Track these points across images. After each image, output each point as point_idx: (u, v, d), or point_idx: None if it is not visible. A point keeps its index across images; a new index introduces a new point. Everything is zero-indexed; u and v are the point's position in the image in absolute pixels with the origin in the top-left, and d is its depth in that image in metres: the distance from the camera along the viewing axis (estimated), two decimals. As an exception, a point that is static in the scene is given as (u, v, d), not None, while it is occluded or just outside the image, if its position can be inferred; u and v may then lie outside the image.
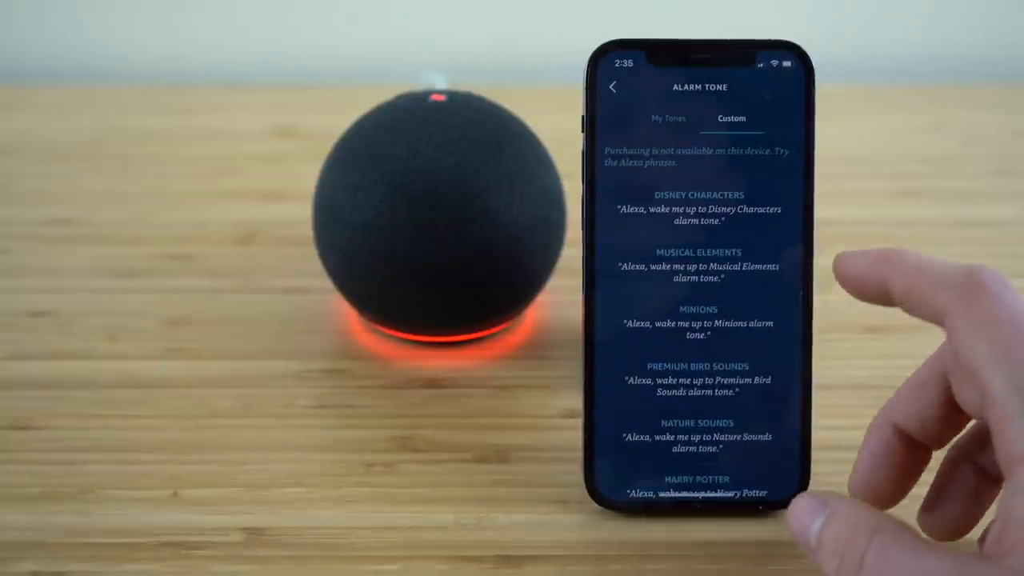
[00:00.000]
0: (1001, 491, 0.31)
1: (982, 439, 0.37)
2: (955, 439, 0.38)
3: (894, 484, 0.38)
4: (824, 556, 0.34)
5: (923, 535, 0.34)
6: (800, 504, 0.36)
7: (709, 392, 0.42)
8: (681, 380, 0.42)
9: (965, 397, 0.35)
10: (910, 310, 0.36)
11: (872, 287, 0.37)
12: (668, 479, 0.42)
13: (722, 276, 0.42)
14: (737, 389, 0.42)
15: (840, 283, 0.38)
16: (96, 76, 0.85)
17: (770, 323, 0.42)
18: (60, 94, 0.81)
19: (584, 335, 0.42)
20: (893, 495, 0.38)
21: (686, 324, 0.42)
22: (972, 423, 0.38)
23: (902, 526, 0.33)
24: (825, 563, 0.34)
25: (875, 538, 0.33)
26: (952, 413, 0.37)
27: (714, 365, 0.42)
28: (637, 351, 0.42)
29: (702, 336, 0.42)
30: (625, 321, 0.42)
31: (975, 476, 0.37)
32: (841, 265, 0.38)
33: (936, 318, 0.34)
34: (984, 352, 0.32)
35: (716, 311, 0.42)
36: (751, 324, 0.42)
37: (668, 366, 0.42)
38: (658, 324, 0.42)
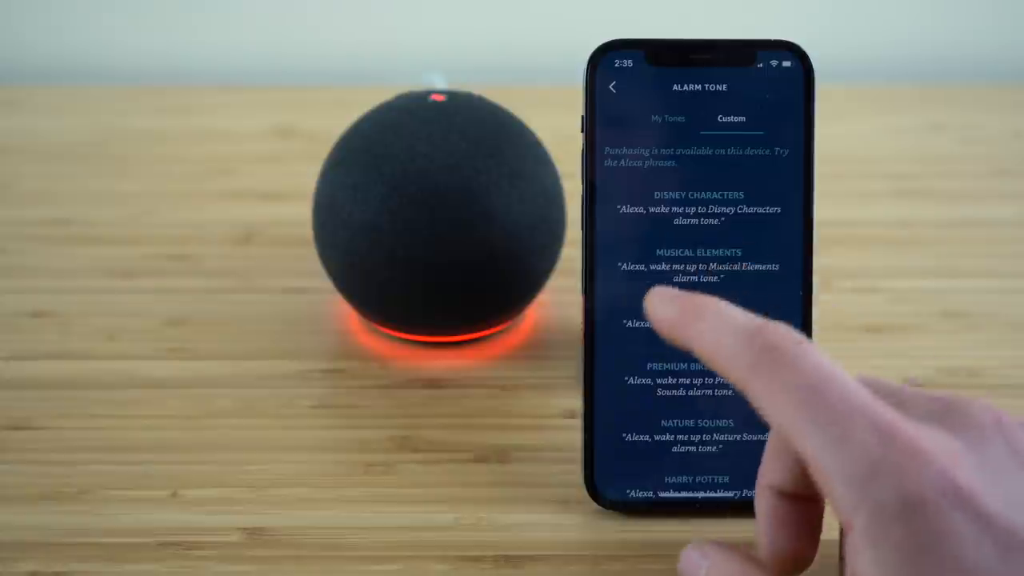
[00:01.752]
0: (843, 550, 0.31)
1: None
2: None
3: (800, 544, 0.36)
4: None
5: None
6: (686, 556, 0.36)
7: (709, 392, 0.42)
8: (681, 380, 0.42)
9: None
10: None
11: (676, 340, 0.36)
12: (668, 479, 0.42)
13: (722, 276, 0.42)
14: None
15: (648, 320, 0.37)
16: (95, 76, 0.85)
17: None
18: (59, 94, 0.80)
19: (584, 335, 0.42)
20: (804, 554, 0.36)
21: None
22: None
23: None
24: None
25: None
26: None
27: None
28: (637, 351, 0.42)
29: None
30: (625, 321, 0.42)
31: None
32: (651, 309, 0.36)
33: (739, 388, 0.33)
34: (788, 419, 0.31)
35: None
36: None
37: (668, 366, 0.42)
38: None
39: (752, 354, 0.32)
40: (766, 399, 0.32)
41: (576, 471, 0.43)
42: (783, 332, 0.32)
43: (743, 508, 0.42)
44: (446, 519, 0.43)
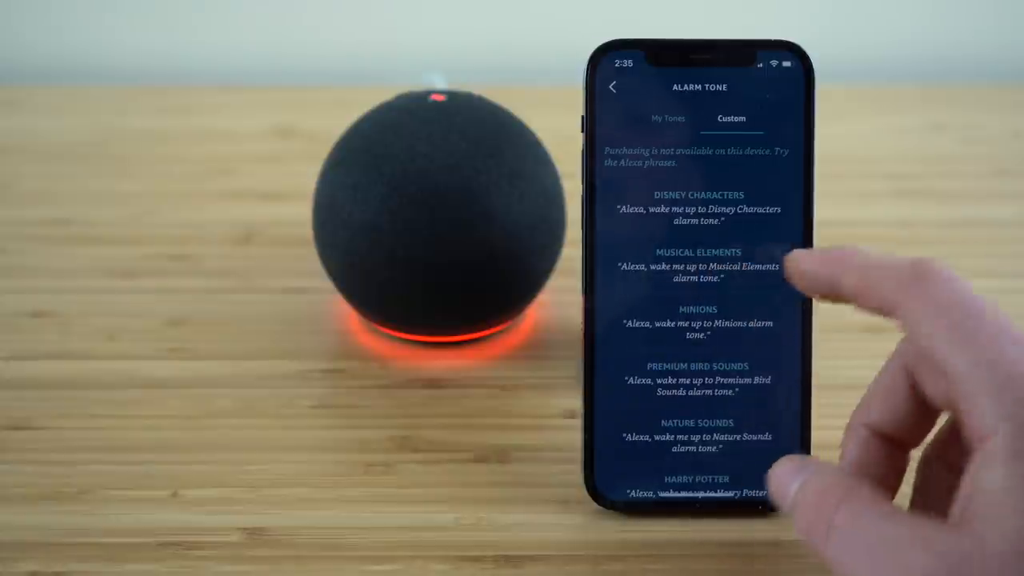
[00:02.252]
0: (968, 466, 0.32)
1: (952, 437, 0.38)
2: (928, 440, 0.38)
3: (882, 484, 0.37)
4: (797, 518, 0.35)
5: (892, 504, 0.34)
6: (781, 468, 0.37)
7: (709, 392, 0.42)
8: (681, 380, 0.42)
9: (930, 389, 0.36)
10: (862, 305, 0.36)
11: (823, 283, 0.37)
12: (668, 479, 0.42)
13: (722, 276, 0.42)
14: (737, 389, 0.42)
15: (791, 279, 0.38)
16: (96, 76, 0.85)
17: (770, 323, 0.42)
18: (59, 94, 0.80)
19: (584, 335, 0.42)
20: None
21: (686, 324, 0.42)
22: (941, 423, 0.38)
23: (873, 491, 0.34)
24: (797, 525, 0.35)
25: (844, 503, 0.34)
26: (921, 408, 0.37)
27: (714, 365, 0.42)
28: (637, 351, 0.42)
29: (702, 336, 0.42)
30: (625, 321, 0.42)
31: (949, 475, 0.38)
32: (792, 263, 0.38)
33: (888, 311, 0.35)
34: (941, 336, 0.33)
35: (716, 311, 0.42)
36: (751, 324, 0.42)
37: (668, 366, 0.42)
38: (658, 324, 0.42)
39: (912, 275, 0.34)
40: (919, 316, 0.34)
41: (576, 471, 0.43)
42: (940, 261, 0.34)
43: (743, 508, 0.42)
44: (446, 519, 0.43)
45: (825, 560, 0.33)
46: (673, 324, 0.42)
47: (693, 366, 0.42)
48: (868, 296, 0.36)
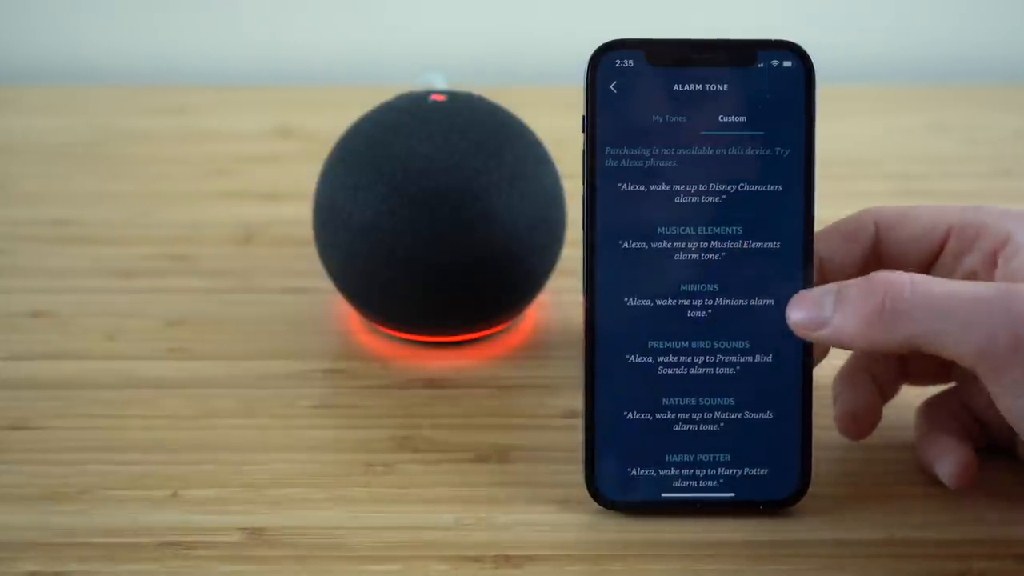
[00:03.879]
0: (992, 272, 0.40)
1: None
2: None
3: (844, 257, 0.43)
4: (854, 303, 0.38)
5: None
6: (799, 297, 0.41)
7: (710, 371, 0.42)
8: (682, 358, 0.42)
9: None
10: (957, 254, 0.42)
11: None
12: (669, 458, 0.42)
13: (723, 254, 0.42)
14: (738, 368, 0.42)
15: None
16: (94, 76, 0.85)
17: (771, 301, 0.42)
18: (56, 93, 0.80)
19: (584, 313, 0.42)
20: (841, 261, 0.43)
21: (687, 302, 0.42)
22: None
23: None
24: (856, 311, 0.38)
25: (909, 279, 0.38)
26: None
27: (715, 343, 0.42)
28: (638, 330, 0.42)
29: (703, 315, 0.42)
30: (626, 300, 0.42)
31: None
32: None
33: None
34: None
35: (717, 289, 0.42)
36: (752, 302, 0.42)
37: (669, 344, 0.42)
38: (659, 303, 0.42)
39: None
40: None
41: (576, 471, 0.43)
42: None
43: (743, 508, 0.42)
44: (446, 519, 0.43)
45: (906, 338, 0.37)
46: (674, 303, 0.42)
47: (694, 344, 0.42)
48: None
